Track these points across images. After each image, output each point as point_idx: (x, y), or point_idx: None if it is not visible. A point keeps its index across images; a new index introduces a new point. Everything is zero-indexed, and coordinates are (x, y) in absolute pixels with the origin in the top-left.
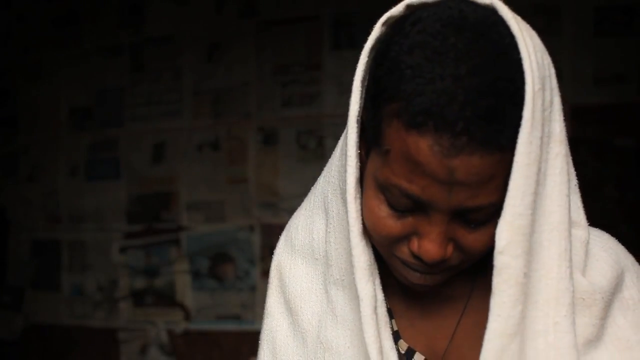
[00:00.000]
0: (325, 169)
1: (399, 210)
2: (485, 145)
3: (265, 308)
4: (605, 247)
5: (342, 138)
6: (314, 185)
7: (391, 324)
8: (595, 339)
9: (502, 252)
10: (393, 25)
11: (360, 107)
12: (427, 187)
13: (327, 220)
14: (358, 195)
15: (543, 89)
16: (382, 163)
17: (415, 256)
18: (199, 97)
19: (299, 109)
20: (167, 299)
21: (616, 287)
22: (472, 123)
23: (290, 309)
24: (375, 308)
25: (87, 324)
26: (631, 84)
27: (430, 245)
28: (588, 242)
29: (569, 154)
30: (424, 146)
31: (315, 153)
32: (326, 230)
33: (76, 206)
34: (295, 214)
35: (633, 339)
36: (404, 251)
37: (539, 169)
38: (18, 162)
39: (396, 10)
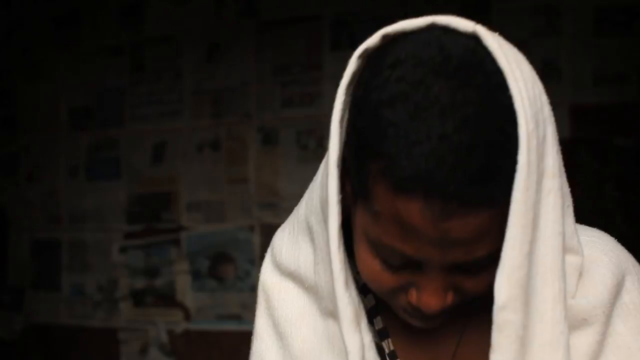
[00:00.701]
0: (308, 192)
1: (393, 265)
2: (480, 206)
3: (254, 330)
4: (605, 250)
5: (322, 166)
6: (299, 205)
7: (387, 343)
8: (598, 352)
9: (503, 308)
10: (370, 59)
11: (340, 150)
12: (421, 247)
13: (314, 249)
14: (342, 243)
15: (537, 125)
16: (372, 221)
17: (415, 306)
18: (199, 97)
19: (299, 109)
20: (167, 299)
21: (617, 294)
22: (464, 185)
23: (279, 333)
24: (363, 356)
25: (87, 324)
26: (631, 84)
27: (429, 298)
28: (582, 266)
29: (563, 182)
30: (414, 210)
31: (315, 153)
32: (314, 260)
33: (76, 206)
34: (279, 232)
35: (634, 345)
36: (402, 300)
37: (534, 213)
38: (18, 162)
39: (372, 41)
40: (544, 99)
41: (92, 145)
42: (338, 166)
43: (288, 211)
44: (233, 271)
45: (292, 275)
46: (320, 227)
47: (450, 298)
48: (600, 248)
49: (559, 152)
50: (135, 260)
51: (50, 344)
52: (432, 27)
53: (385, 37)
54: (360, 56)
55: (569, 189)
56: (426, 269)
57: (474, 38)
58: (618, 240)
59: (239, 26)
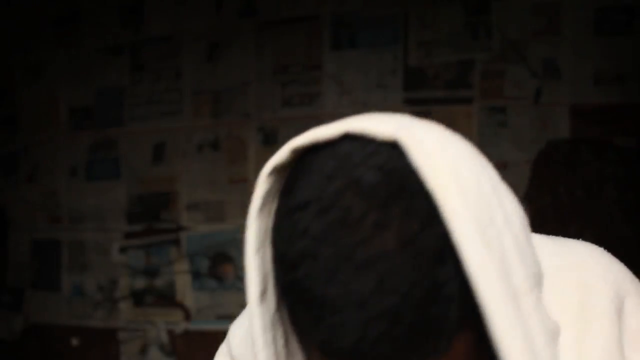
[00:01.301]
0: None
1: None
2: (425, 358)
3: None
4: (600, 272)
5: None
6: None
7: None
8: None
9: None
10: (280, 191)
11: (261, 284)
12: None
13: None
14: None
15: (489, 248)
16: None
17: None
18: (199, 97)
19: (299, 109)
20: (167, 299)
21: (620, 321)
22: (399, 351)
23: None
24: None
25: (87, 324)
26: (631, 84)
27: None
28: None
29: (531, 273)
30: None
31: None
32: None
33: (76, 206)
34: (236, 328)
35: None
36: None
37: (530, 344)
38: (18, 162)
39: (281, 157)
40: (495, 200)
41: (92, 145)
42: (261, 302)
43: None
44: (233, 271)
45: None
46: None
47: None
48: (594, 271)
49: (526, 247)
50: (135, 260)
51: (50, 344)
52: (345, 137)
53: (295, 152)
54: (271, 174)
55: (537, 261)
56: None
57: (394, 147)
58: (618, 241)
59: (238, 26)
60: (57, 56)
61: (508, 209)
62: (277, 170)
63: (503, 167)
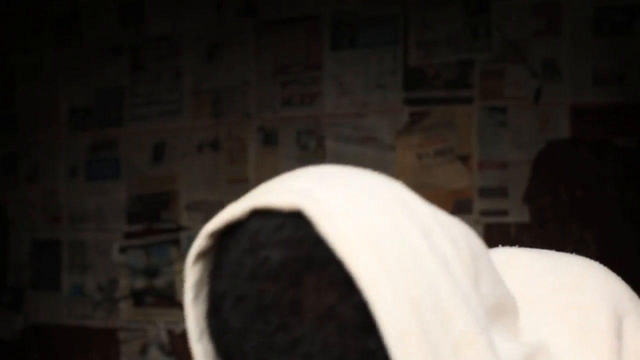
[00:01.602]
0: None
1: None
2: None
3: None
4: (602, 294)
5: None
6: None
7: None
8: None
9: None
10: (208, 267)
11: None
12: None
13: None
14: None
15: (417, 311)
16: None
17: None
18: (199, 97)
19: (299, 109)
20: (167, 299)
21: (619, 341)
22: None
23: None
24: None
25: (87, 324)
26: (631, 84)
27: None
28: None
29: (491, 325)
30: None
31: (316, 153)
32: None
33: (76, 206)
34: None
35: None
36: None
37: None
38: (18, 162)
39: (200, 244)
40: (424, 248)
41: (92, 145)
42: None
43: None
44: None
45: None
46: None
47: None
48: (592, 289)
49: (472, 287)
50: (135, 260)
51: (50, 344)
52: (253, 215)
53: (212, 236)
54: (195, 262)
55: (500, 288)
56: None
57: (301, 216)
58: (618, 241)
59: (239, 26)
60: (57, 56)
61: (446, 250)
62: (204, 255)
63: (503, 167)
